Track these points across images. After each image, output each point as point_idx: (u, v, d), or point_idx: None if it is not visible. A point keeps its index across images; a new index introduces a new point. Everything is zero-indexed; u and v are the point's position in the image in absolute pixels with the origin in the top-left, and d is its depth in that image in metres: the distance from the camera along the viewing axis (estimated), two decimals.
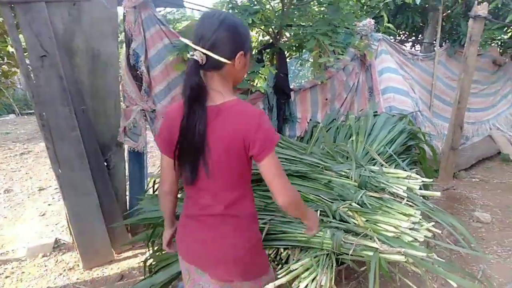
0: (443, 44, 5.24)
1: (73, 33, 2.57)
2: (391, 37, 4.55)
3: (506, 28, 5.51)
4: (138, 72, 2.77)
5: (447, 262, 1.56)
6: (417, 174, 2.66)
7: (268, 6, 2.96)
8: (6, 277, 2.77)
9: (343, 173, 2.07)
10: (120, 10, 2.75)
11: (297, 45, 3.23)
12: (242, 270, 1.31)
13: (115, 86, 2.82)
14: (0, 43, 3.06)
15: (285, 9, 3.00)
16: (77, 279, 2.75)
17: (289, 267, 1.60)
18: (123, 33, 2.82)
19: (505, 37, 5.43)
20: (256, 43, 3.69)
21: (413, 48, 6.03)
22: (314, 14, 2.87)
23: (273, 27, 3.09)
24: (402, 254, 1.52)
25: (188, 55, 1.19)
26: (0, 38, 3.00)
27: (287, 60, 3.70)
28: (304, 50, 3.71)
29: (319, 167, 2.07)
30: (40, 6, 2.42)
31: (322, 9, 3.29)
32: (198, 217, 1.31)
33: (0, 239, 3.38)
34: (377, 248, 1.56)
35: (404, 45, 5.62)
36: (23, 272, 2.83)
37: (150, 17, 2.73)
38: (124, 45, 2.88)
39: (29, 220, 3.74)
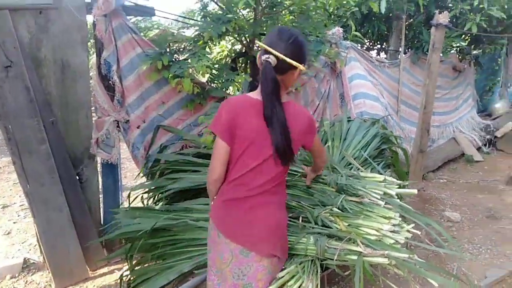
0: (407, 51, 5.46)
1: (39, 42, 2.48)
2: (359, 44, 4.69)
3: (464, 35, 5.83)
4: (110, 82, 2.70)
5: (427, 262, 1.60)
6: (391, 176, 2.75)
7: (240, 15, 2.97)
8: None
9: (321, 179, 2.09)
10: (90, 19, 2.68)
11: None
12: (282, 245, 1.55)
13: (86, 96, 2.73)
14: None
15: (257, 18, 3.03)
16: None
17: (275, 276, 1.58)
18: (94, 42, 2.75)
19: (464, 44, 5.74)
20: (229, 52, 3.70)
21: (379, 55, 6.24)
22: (285, 22, 2.91)
23: (246, 35, 3.11)
24: (386, 257, 1.55)
25: (263, 58, 1.39)
26: None
27: None
28: None
29: (296, 174, 2.09)
30: (4, 14, 2.32)
31: (292, 17, 3.34)
32: (246, 199, 1.48)
33: None
34: (361, 252, 1.58)
35: (371, 53, 5.82)
36: None
37: (121, 25, 2.67)
38: (94, 54, 2.81)
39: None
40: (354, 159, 2.44)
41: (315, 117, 3.94)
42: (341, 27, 4.57)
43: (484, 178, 4.72)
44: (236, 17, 2.87)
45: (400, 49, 5.23)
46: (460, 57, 6.24)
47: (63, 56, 2.58)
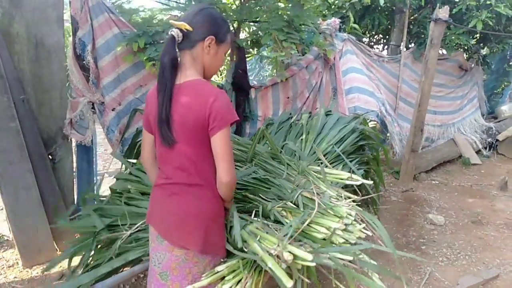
0: (410, 47, 5.29)
1: (12, 18, 2.43)
2: (357, 38, 4.55)
3: (474, 34, 5.62)
4: (84, 62, 2.65)
5: (377, 265, 1.52)
6: (367, 175, 2.66)
7: (224, 0, 2.88)
8: None
9: (287, 173, 2.02)
10: None
11: (254, 40, 3.17)
12: (199, 240, 1.38)
13: (61, 76, 2.69)
14: None
15: (242, 3, 2.93)
16: (15, 277, 2.61)
17: (213, 269, 1.53)
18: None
19: (471, 42, 5.53)
20: None
21: (383, 50, 6.06)
22: (272, 9, 2.81)
23: (229, 21, 3.02)
24: (329, 258, 1.48)
25: (169, 32, 1.32)
26: None
27: (247, 57, 3.63)
28: (264, 47, 3.66)
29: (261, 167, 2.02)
30: None
31: (281, 5, 3.24)
32: (163, 186, 1.43)
33: None
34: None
35: (373, 48, 5.66)
36: None
37: (99, 4, 2.62)
38: (71, 33, 2.75)
39: None
40: (326, 154, 2.36)
41: (304, 109, 3.85)
42: (340, 18, 4.44)
43: (478, 182, 4.58)
44: (219, 1, 2.78)
45: (402, 44, 5.06)
46: (467, 56, 6.03)
47: (37, 34, 2.53)
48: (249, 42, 3.15)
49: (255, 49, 3.78)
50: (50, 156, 2.73)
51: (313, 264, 1.38)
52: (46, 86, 2.63)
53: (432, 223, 3.40)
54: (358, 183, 1.90)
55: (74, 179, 2.96)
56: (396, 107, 5.10)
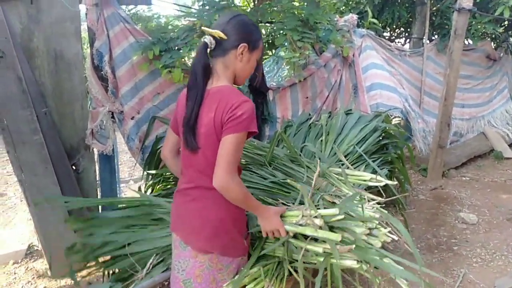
0: (433, 39, 5.10)
1: (31, 33, 2.48)
2: (377, 33, 4.42)
3: (501, 22, 5.37)
4: (102, 72, 2.68)
5: (404, 271, 1.44)
6: (391, 174, 2.57)
7: (237, 1, 2.85)
8: None
9: (307, 176, 1.97)
10: (83, 8, 2.67)
11: (269, 42, 3.12)
12: (222, 243, 1.40)
13: (81, 87, 2.73)
14: None
15: (256, 5, 2.90)
16: (44, 287, 2.67)
17: (234, 277, 1.49)
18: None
19: (499, 30, 5.28)
20: None
21: (405, 44, 5.89)
22: (286, 9, 2.76)
23: None
24: (355, 259, 1.42)
25: (202, 39, 1.34)
26: None
27: (264, 58, 3.59)
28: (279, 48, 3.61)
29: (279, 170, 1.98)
30: None
31: (296, 4, 3.18)
32: (184, 191, 1.45)
33: None
34: (328, 253, 1.45)
35: (394, 42, 5.50)
36: None
37: (114, 15, 2.64)
38: (89, 44, 2.80)
39: (19, 224, 3.66)
40: (347, 154, 2.29)
41: (324, 109, 3.77)
42: (358, 14, 4.34)
43: None
44: (232, 4, 2.76)
45: (424, 37, 4.89)
46: (494, 45, 5.77)
47: (56, 47, 2.58)
48: (264, 44, 3.11)
49: (272, 50, 3.73)
50: (73, 167, 2.78)
51: (342, 216, 1.44)
52: (67, 98, 2.68)
53: (464, 222, 3.25)
54: (382, 184, 1.82)
55: (98, 188, 3.00)
56: (421, 102, 4.92)
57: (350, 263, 1.43)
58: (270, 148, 2.02)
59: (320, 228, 1.45)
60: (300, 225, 1.48)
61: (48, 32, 2.53)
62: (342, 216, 1.44)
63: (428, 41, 4.86)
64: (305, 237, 1.56)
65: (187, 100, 1.37)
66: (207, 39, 1.33)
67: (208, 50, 1.35)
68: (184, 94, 1.45)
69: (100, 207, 3.00)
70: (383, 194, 2.04)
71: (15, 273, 2.84)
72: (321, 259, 1.47)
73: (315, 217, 1.46)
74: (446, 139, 4.17)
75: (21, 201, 4.28)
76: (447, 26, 4.95)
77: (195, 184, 1.41)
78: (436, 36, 5.19)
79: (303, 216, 1.48)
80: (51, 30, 2.54)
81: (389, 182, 1.86)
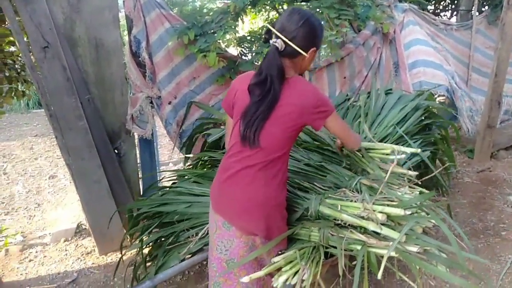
0: (483, 10, 4.74)
1: (73, 23, 2.57)
2: (420, 6, 4.17)
3: None
4: (140, 58, 2.74)
5: (447, 259, 1.38)
6: (434, 156, 2.45)
7: None
8: (30, 260, 2.93)
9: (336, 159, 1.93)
10: None
11: None
12: (266, 226, 1.43)
13: (120, 74, 2.81)
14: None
15: None
16: (92, 263, 2.84)
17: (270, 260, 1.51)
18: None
19: None
20: (265, 21, 3.53)
21: (451, 17, 5.52)
22: None
23: (280, 2, 2.92)
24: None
25: (271, 41, 1.39)
26: None
27: None
28: None
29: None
30: None
31: None
32: (231, 172, 1.46)
33: (42, 222, 3.61)
34: (364, 242, 1.42)
35: (439, 16, 5.17)
36: (45, 256, 2.97)
37: (150, 1, 2.67)
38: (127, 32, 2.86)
39: (69, 204, 3.92)
40: (387, 136, 2.21)
41: (363, 88, 3.64)
42: None
43: None
44: None
45: (473, 8, 4.55)
46: None
47: (97, 35, 2.66)
48: None
49: None
50: (116, 151, 2.89)
51: (407, 213, 1.43)
52: (108, 85, 2.77)
53: None
54: (403, 156, 1.70)
55: (139, 171, 3.12)
56: (468, 79, 4.62)
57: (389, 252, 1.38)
58: None
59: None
60: (362, 217, 1.48)
61: (88, 21, 2.61)
62: (408, 213, 1.43)
63: (477, 13, 4.52)
64: (343, 223, 1.54)
65: (257, 97, 1.37)
66: (278, 43, 1.36)
67: (278, 52, 1.38)
68: (242, 79, 1.48)
69: (141, 187, 3.13)
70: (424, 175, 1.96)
71: (66, 250, 3.04)
72: (359, 247, 1.45)
73: (380, 212, 1.46)
74: (496, 118, 3.91)
75: (70, 182, 4.54)
76: None
77: (246, 164, 1.43)
78: (486, 8, 4.81)
79: (365, 209, 1.48)
80: (91, 19, 2.61)
81: (412, 150, 1.71)
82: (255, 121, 1.36)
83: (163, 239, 2.09)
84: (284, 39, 1.36)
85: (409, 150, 1.71)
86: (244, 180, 1.43)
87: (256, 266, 1.48)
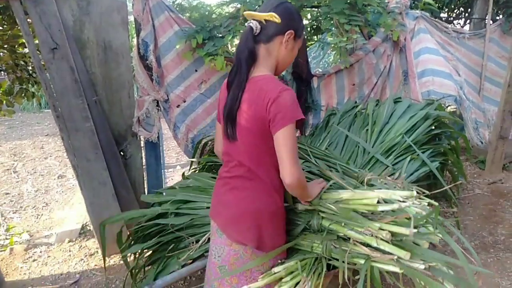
0: (497, 19, 4.66)
1: (82, 25, 2.59)
2: (433, 14, 4.11)
3: None
4: (147, 61, 2.74)
5: (454, 276, 1.32)
6: (443, 167, 2.39)
7: None
8: (34, 260, 2.93)
9: (350, 170, 1.89)
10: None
11: (314, 27, 3.01)
12: (257, 236, 1.37)
13: (128, 76, 2.82)
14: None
15: None
16: (95, 265, 2.84)
17: (270, 270, 1.47)
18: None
19: None
20: None
21: (464, 25, 5.44)
22: None
23: None
24: (395, 265, 1.33)
25: (246, 24, 1.34)
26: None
27: (309, 44, 3.48)
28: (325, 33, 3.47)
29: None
30: None
31: None
32: (225, 179, 1.45)
33: (49, 222, 3.63)
34: (368, 255, 1.38)
35: (452, 24, 5.10)
36: (49, 256, 2.98)
37: (159, 4, 2.67)
38: (135, 34, 2.86)
39: (76, 204, 3.92)
40: (395, 145, 2.16)
41: (372, 96, 3.59)
42: None
43: None
44: None
45: (487, 17, 4.48)
46: None
47: (105, 37, 2.67)
48: (309, 29, 3.00)
49: (317, 36, 3.60)
50: (121, 153, 2.89)
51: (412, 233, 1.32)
52: (116, 87, 2.78)
53: None
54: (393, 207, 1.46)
55: (144, 174, 3.11)
56: (480, 88, 4.54)
57: (394, 269, 1.34)
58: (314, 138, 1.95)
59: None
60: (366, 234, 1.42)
61: (98, 23, 2.62)
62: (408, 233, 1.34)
63: (491, 22, 4.45)
64: (347, 237, 1.49)
65: (229, 88, 1.36)
66: (253, 23, 1.30)
67: (253, 35, 1.31)
68: (225, 84, 1.43)
69: (146, 190, 3.12)
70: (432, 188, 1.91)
71: (69, 251, 3.05)
72: (362, 261, 1.40)
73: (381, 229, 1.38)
74: (509, 129, 3.82)
75: None
76: None
77: (235, 173, 1.41)
78: (500, 16, 4.73)
79: (369, 227, 1.41)
80: (100, 21, 2.62)
81: (406, 193, 1.50)
82: (231, 113, 1.34)
83: (163, 244, 2.07)
84: (261, 14, 1.29)
85: (402, 194, 1.52)
86: (236, 188, 1.42)
87: (248, 274, 1.43)
